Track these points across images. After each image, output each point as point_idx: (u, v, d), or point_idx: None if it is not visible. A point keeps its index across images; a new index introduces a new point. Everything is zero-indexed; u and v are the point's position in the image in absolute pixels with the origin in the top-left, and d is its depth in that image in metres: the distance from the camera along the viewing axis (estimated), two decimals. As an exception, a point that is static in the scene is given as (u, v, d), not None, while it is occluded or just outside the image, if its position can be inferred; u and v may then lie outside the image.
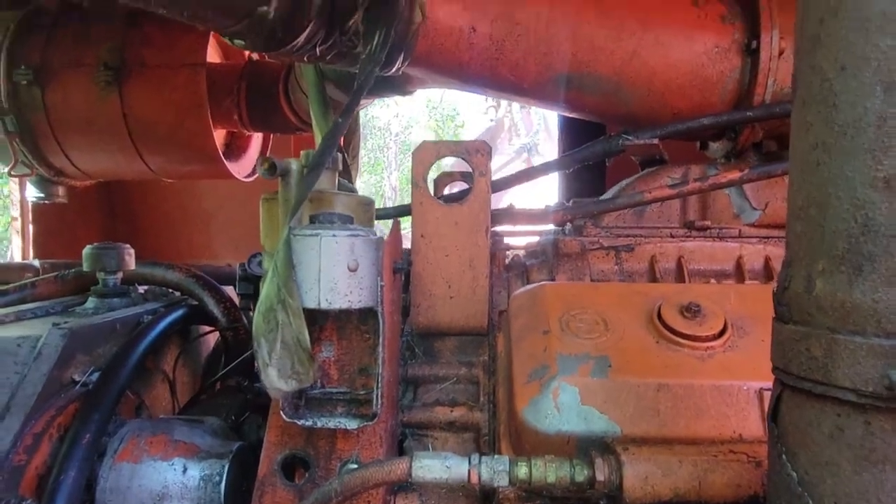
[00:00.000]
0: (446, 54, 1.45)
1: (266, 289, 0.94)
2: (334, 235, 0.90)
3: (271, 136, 2.71)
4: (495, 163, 6.99)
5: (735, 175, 1.28)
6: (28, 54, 2.16)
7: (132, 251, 1.71)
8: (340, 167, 1.15)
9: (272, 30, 1.21)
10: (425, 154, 1.28)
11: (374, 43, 1.25)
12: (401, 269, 1.16)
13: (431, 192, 1.30)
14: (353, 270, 0.91)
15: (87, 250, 1.65)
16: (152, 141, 2.28)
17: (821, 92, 0.63)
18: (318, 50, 1.34)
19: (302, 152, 1.13)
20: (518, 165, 6.87)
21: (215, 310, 1.73)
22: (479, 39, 1.43)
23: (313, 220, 0.97)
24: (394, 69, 1.43)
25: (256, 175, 2.71)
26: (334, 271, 0.90)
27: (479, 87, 1.58)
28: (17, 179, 2.74)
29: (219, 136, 2.48)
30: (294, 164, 1.03)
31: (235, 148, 2.61)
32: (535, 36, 1.44)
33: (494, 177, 1.37)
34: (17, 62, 2.14)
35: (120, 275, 1.69)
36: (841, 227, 0.62)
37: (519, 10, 1.43)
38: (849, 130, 0.61)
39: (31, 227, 3.06)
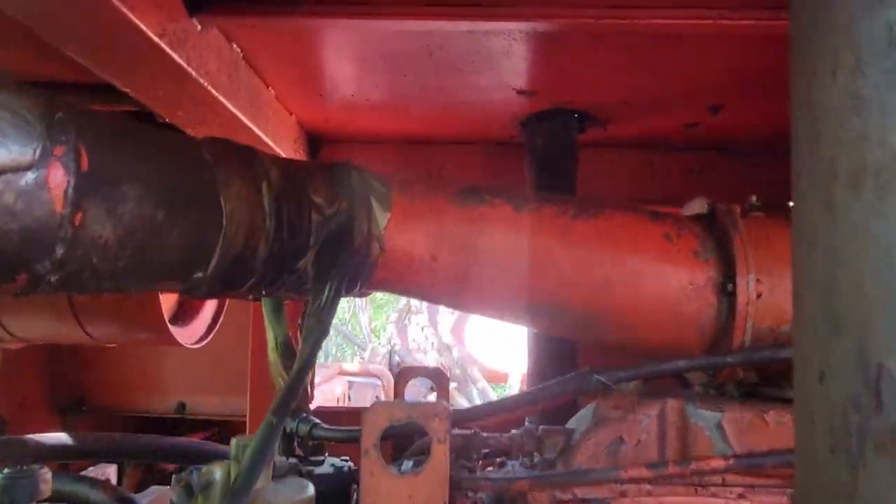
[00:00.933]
0: (406, 281, 1.36)
1: None
2: None
3: (226, 300, 2.58)
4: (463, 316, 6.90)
5: (720, 464, 1.17)
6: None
7: (49, 476, 1.51)
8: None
9: (213, 285, 1.10)
10: (377, 418, 1.15)
11: (325, 297, 1.14)
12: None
13: (380, 460, 1.16)
14: None
15: (-4, 479, 1.46)
16: (94, 311, 2.13)
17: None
18: (264, 291, 1.23)
19: (233, 441, 0.99)
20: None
21: (141, 541, 1.52)
22: (440, 267, 1.34)
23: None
24: (348, 296, 1.33)
25: (209, 339, 2.56)
26: None
27: (446, 306, 1.48)
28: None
29: (170, 299, 2.34)
30: (218, 475, 0.88)
31: (189, 309, 2.47)
32: (499, 265, 1.36)
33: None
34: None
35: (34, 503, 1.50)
36: None
37: (482, 239, 1.35)
38: None
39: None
